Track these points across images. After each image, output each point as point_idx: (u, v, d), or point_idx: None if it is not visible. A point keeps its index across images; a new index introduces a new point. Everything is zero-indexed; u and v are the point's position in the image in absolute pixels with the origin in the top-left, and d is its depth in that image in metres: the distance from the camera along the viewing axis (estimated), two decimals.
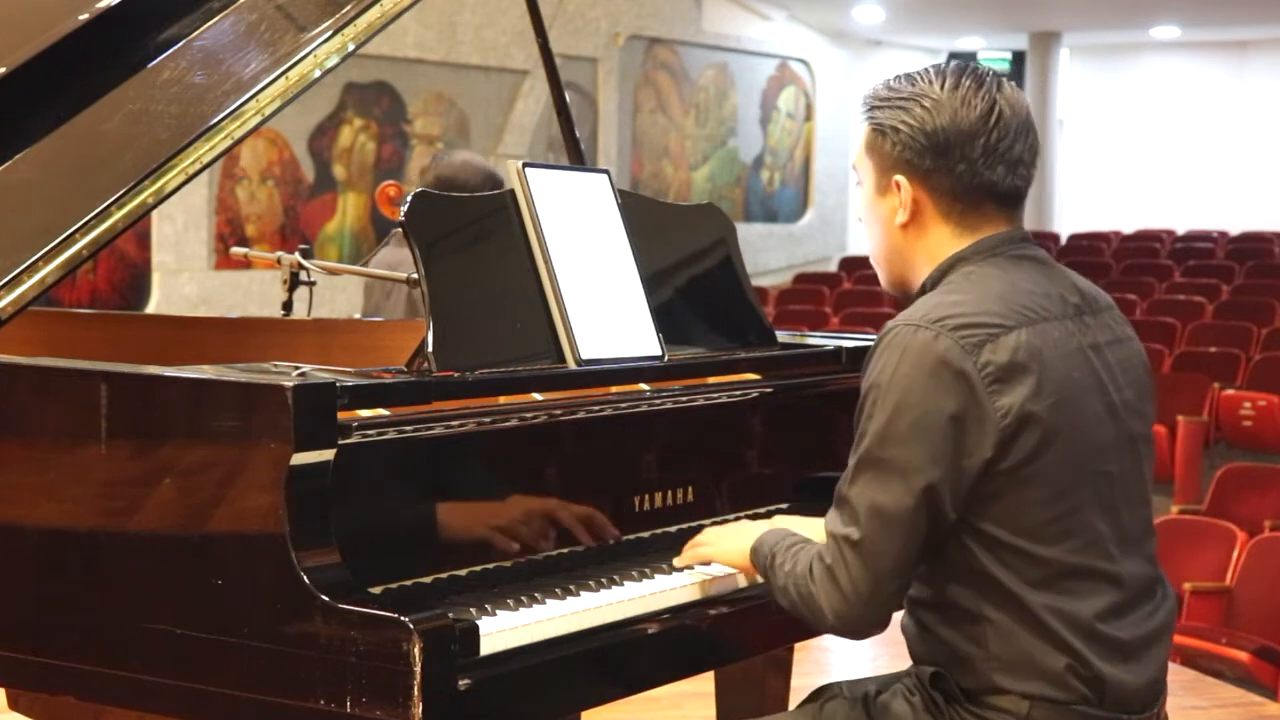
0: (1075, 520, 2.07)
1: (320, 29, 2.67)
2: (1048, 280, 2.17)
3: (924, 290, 2.19)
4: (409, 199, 2.39)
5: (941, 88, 2.14)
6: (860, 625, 2.10)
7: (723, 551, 2.39)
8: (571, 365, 2.47)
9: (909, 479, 2.02)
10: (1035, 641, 2.06)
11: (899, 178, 2.17)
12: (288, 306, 3.41)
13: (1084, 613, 2.07)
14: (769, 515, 2.73)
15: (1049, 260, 2.21)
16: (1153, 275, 14.09)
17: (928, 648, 2.16)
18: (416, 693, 1.91)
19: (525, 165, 2.55)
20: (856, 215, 2.31)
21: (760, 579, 2.29)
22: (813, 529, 2.30)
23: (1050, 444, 2.04)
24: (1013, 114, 2.14)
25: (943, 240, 2.18)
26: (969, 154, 2.12)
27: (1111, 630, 2.09)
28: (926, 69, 2.20)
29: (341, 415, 2.07)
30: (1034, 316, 2.09)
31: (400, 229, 2.41)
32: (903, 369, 2.04)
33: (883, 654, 5.00)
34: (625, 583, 2.35)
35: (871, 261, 2.30)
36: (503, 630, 2.10)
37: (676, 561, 2.43)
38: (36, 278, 2.42)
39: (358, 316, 4.50)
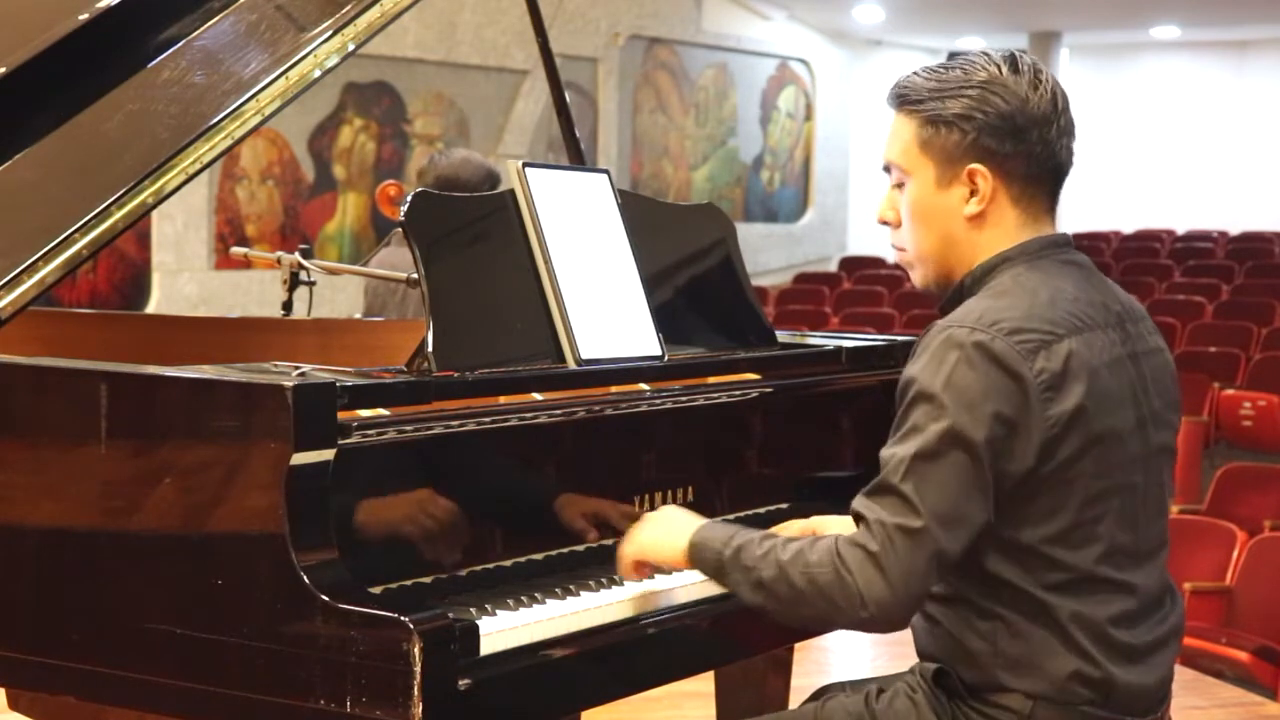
0: (1098, 529, 2.06)
1: (320, 29, 2.67)
2: (1092, 288, 2.16)
3: (961, 289, 2.16)
4: (409, 199, 2.39)
5: (1002, 72, 2.12)
6: (900, 616, 2.02)
7: (652, 547, 2.25)
8: (571, 365, 2.47)
9: (973, 482, 1.99)
10: (1047, 642, 2.05)
11: (976, 166, 2.13)
12: (288, 306, 3.41)
13: (1099, 617, 2.06)
14: (769, 515, 2.74)
15: (1091, 267, 2.20)
16: (1153, 275, 14.09)
17: (935, 642, 2.15)
18: (416, 693, 1.91)
19: (525, 165, 2.55)
20: (881, 217, 2.24)
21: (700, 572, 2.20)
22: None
23: (1086, 454, 2.03)
24: (1066, 99, 2.16)
25: (1006, 230, 2.15)
26: (1046, 135, 2.13)
27: (1123, 636, 2.08)
28: (970, 57, 2.16)
29: (341, 415, 2.07)
30: (1080, 325, 2.08)
31: (400, 229, 2.41)
32: (959, 370, 2.00)
33: (883, 654, 5.00)
34: (625, 583, 2.35)
35: (911, 259, 2.22)
36: (503, 630, 2.10)
37: (620, 574, 2.31)
38: (36, 278, 2.42)
39: (358, 316, 4.50)
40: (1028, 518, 2.04)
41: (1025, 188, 2.15)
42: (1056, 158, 2.15)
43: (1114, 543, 2.07)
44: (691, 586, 2.38)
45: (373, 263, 4.43)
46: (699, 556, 2.17)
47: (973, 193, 2.14)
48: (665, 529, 2.24)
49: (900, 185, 2.20)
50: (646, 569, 2.30)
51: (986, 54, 2.16)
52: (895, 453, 2.02)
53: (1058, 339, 2.04)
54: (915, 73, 2.18)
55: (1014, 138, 2.11)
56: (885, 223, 2.24)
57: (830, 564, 2.01)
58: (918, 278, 2.23)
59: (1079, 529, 2.04)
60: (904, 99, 2.17)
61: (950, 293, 2.19)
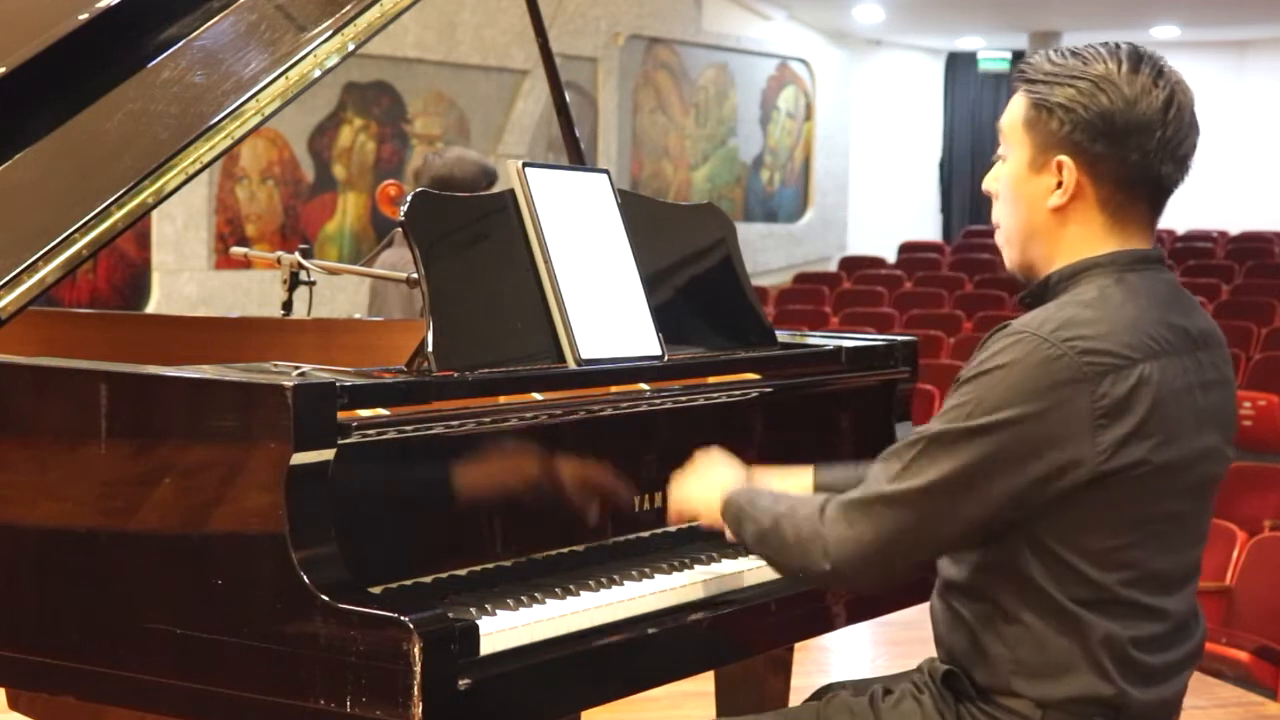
0: (1134, 554, 2.03)
1: (320, 29, 2.67)
2: (1176, 308, 2.10)
3: (1048, 284, 2.12)
4: (409, 199, 2.39)
5: (1120, 71, 2.06)
6: (856, 576, 2.10)
7: (693, 501, 2.43)
8: (571, 365, 2.47)
9: (977, 482, 1.98)
10: (1069, 656, 2.03)
11: (1064, 158, 2.08)
12: (288, 306, 3.41)
13: (1123, 638, 2.03)
14: None
15: (1179, 285, 2.15)
16: None
17: (954, 635, 2.13)
18: (416, 693, 1.91)
19: (525, 165, 2.55)
20: (985, 187, 2.21)
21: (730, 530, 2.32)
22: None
23: (1136, 480, 1.99)
24: (1188, 108, 2.09)
25: (1092, 232, 2.10)
26: (1145, 145, 2.05)
27: (1145, 658, 2.06)
28: (1096, 47, 2.11)
29: (341, 415, 2.07)
30: (1158, 349, 2.03)
31: (400, 228, 2.41)
32: (1017, 371, 1.98)
33: (883, 654, 5.00)
34: (625, 583, 2.35)
35: (999, 238, 2.20)
36: (503, 630, 2.10)
37: (670, 519, 2.51)
38: (36, 278, 2.42)
39: (358, 316, 4.50)
40: (1064, 529, 2.00)
41: (1115, 192, 2.08)
42: (1152, 170, 2.06)
43: (1148, 569, 2.04)
44: (691, 587, 2.39)
45: (377, 264, 4.42)
46: (728, 512, 2.31)
47: (1059, 184, 2.09)
48: (707, 483, 2.41)
49: (1003, 158, 2.18)
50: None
51: (1113, 46, 2.10)
52: (924, 428, 2.05)
53: (1131, 364, 1.99)
54: (1042, 53, 2.15)
55: (1107, 139, 2.05)
56: (989, 193, 2.21)
57: (814, 515, 2.11)
58: (1006, 259, 2.20)
59: (1114, 552, 2.01)
60: (1023, 76, 2.15)
61: (1035, 285, 2.15)
